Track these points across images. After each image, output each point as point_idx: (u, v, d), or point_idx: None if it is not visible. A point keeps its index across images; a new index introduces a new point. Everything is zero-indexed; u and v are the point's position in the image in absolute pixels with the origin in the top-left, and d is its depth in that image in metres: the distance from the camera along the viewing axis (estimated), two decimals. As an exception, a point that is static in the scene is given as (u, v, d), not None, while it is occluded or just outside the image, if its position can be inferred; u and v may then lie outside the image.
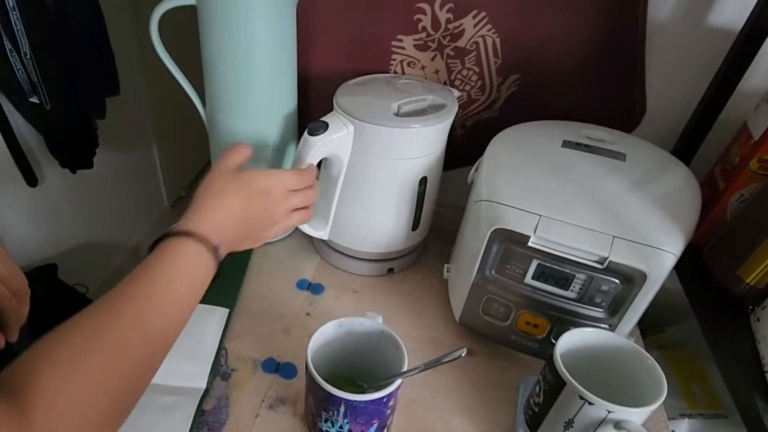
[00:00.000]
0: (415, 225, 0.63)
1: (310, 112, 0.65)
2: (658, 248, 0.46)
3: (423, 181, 0.60)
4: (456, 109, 0.58)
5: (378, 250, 0.64)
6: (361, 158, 0.57)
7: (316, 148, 0.53)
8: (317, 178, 0.53)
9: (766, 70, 0.59)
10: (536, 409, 0.45)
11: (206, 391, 0.48)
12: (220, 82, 0.57)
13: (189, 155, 0.82)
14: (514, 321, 0.53)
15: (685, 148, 0.65)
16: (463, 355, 0.40)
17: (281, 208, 0.47)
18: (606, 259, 0.46)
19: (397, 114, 0.56)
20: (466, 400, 0.52)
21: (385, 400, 0.40)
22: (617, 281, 0.47)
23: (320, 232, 0.62)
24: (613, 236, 0.47)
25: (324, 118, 0.55)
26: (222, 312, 0.55)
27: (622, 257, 0.46)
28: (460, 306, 0.56)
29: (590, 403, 0.40)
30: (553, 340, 0.52)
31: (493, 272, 0.52)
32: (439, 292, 0.64)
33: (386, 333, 0.45)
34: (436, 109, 0.57)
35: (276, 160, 0.63)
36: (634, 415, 0.39)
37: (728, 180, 0.58)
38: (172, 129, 0.77)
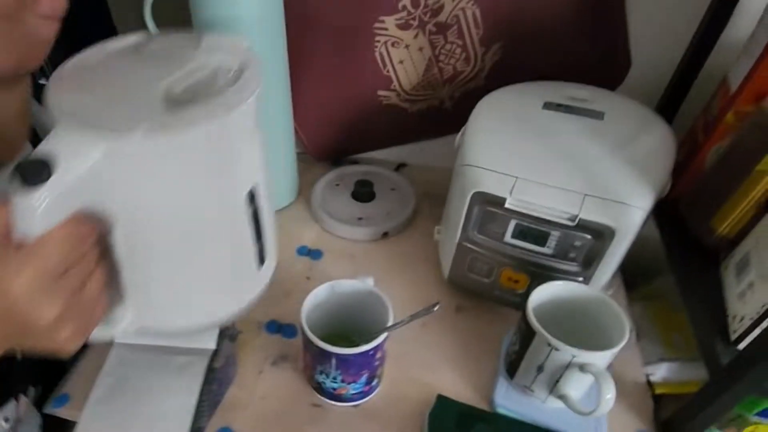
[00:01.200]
0: (261, 258, 0.38)
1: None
2: (626, 204, 0.48)
3: (251, 197, 0.35)
4: (260, 67, 0.34)
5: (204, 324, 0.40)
6: (136, 196, 0.30)
7: (42, 209, 0.26)
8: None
9: (748, 24, 0.59)
10: (513, 357, 0.50)
11: (216, 351, 0.53)
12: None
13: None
14: (497, 277, 0.57)
15: (669, 104, 0.66)
16: (435, 309, 0.44)
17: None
18: (576, 216, 0.49)
19: (168, 101, 0.30)
20: (454, 352, 0.56)
21: (371, 352, 0.45)
22: (589, 237, 0.50)
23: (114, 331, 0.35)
24: (584, 194, 0.49)
25: (45, 146, 0.27)
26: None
27: (591, 214, 0.49)
28: (448, 265, 0.60)
29: (556, 349, 0.44)
30: (533, 294, 0.55)
31: (475, 233, 0.56)
32: (431, 253, 0.67)
33: (374, 293, 0.50)
34: (229, 75, 0.33)
35: (272, 136, 0.66)
36: (597, 358, 0.44)
37: (707, 133, 0.59)
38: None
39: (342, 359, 0.44)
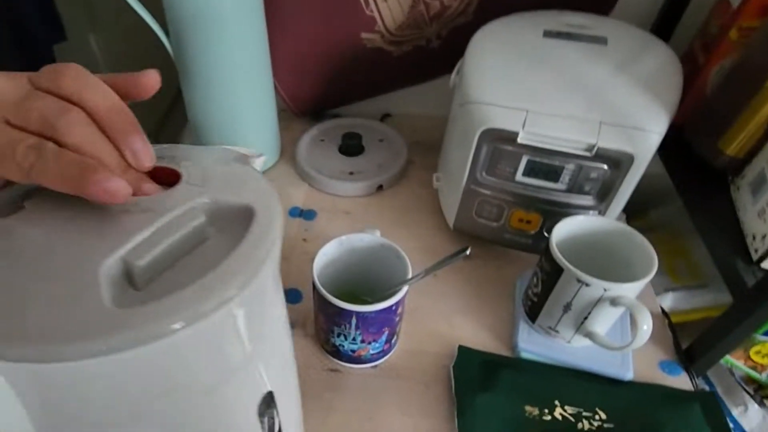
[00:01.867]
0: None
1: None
2: (643, 129, 0.46)
3: (267, 403, 0.27)
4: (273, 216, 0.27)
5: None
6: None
7: None
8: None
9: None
10: (534, 299, 0.48)
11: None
12: (186, 16, 0.52)
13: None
14: (507, 220, 0.54)
15: (663, 26, 0.64)
16: (468, 252, 0.41)
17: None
18: (594, 146, 0.46)
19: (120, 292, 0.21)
20: (466, 300, 0.54)
21: (393, 308, 0.42)
22: (605, 167, 0.48)
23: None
24: (600, 122, 0.47)
25: None
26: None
27: (609, 142, 0.46)
28: (453, 212, 0.57)
29: (587, 285, 0.42)
30: (546, 233, 0.53)
31: (483, 174, 0.53)
32: (430, 202, 0.64)
33: (386, 245, 0.46)
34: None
35: (250, 92, 0.60)
36: (628, 290, 0.42)
37: (708, 53, 0.57)
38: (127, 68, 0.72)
39: (363, 318, 0.41)
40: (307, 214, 0.63)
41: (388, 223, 0.62)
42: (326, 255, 0.45)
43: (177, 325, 0.19)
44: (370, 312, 0.41)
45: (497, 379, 0.46)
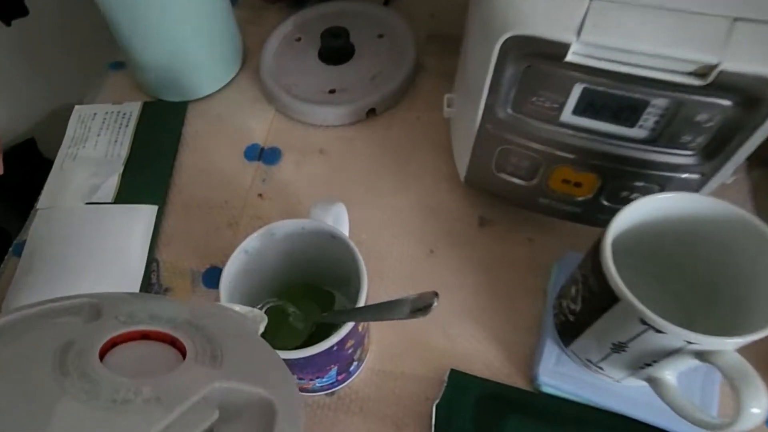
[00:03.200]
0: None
1: None
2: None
3: None
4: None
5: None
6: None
7: None
8: None
9: None
10: (570, 318, 0.31)
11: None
12: None
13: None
14: (545, 178, 0.35)
15: None
16: (434, 306, 0.24)
17: None
18: (715, 67, 0.25)
19: None
20: (473, 294, 0.38)
21: (335, 348, 0.27)
22: (728, 103, 0.27)
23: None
24: (734, 19, 0.24)
25: None
26: (148, 211, 0.42)
27: (743, 60, 0.24)
28: (464, 161, 0.39)
29: (658, 331, 0.24)
30: (605, 201, 0.34)
31: (509, 110, 0.33)
32: (442, 135, 0.45)
33: (339, 239, 0.30)
34: None
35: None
36: (730, 345, 0.24)
37: None
38: None
39: (291, 363, 0.27)
40: (268, 156, 0.46)
41: (377, 166, 0.45)
42: (236, 263, 0.30)
43: None
44: (299, 359, 0.27)
45: (502, 425, 0.32)
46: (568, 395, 0.33)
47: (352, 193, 0.43)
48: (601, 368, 0.31)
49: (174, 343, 0.19)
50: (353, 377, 0.35)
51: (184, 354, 0.18)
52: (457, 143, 0.41)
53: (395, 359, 0.36)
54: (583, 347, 0.31)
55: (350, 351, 0.30)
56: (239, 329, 0.22)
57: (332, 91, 0.48)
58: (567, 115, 0.31)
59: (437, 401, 0.33)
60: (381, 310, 0.26)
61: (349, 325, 0.27)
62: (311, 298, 0.34)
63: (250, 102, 0.50)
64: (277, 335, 0.31)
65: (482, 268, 0.39)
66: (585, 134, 0.32)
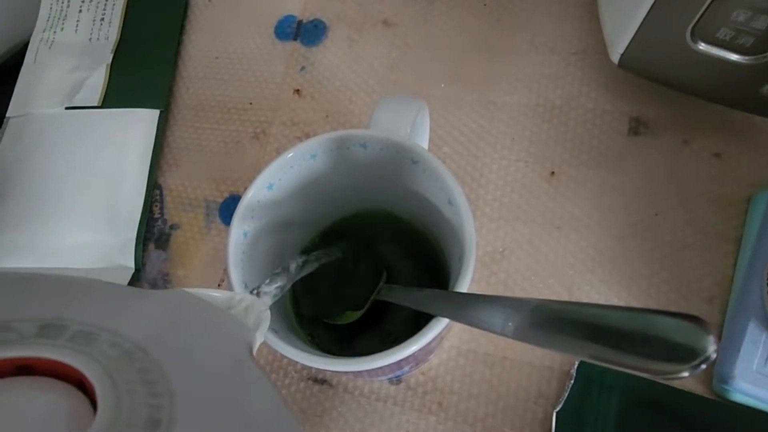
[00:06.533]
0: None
1: None
2: None
3: None
4: None
5: None
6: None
7: None
8: None
9: None
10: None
11: (135, 274, 0.29)
12: None
13: None
14: (779, 51, 0.20)
15: None
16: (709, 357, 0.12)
17: None
18: None
19: None
20: (619, 230, 0.26)
21: (409, 358, 0.17)
22: None
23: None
24: None
25: None
26: (147, 117, 0.32)
27: None
28: (626, 26, 0.24)
29: None
30: None
31: None
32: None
33: (425, 165, 0.19)
34: None
35: None
36: None
37: None
38: None
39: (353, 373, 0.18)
40: (308, 32, 0.34)
41: (469, 42, 0.31)
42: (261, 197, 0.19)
43: None
44: (359, 370, 0.17)
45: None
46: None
47: (430, 86, 0.30)
48: None
49: (82, 385, 0.10)
50: (429, 358, 0.25)
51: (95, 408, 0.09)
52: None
53: (494, 335, 0.25)
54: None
55: (435, 344, 0.20)
56: (217, 353, 0.12)
57: (396, -72, 0.33)
58: None
59: (559, 406, 0.23)
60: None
61: (441, 323, 0.16)
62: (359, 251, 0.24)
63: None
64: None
65: (633, 198, 0.26)
66: None
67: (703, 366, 0.10)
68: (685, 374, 0.10)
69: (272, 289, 0.17)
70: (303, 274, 0.20)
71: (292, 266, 0.19)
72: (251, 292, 0.16)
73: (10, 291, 0.10)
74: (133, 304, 0.11)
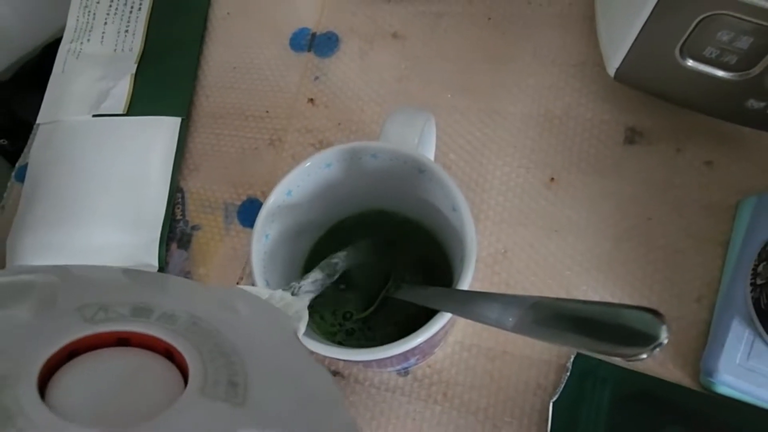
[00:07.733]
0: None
1: None
2: None
3: None
4: None
5: None
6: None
7: None
8: None
9: None
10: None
11: (159, 272, 0.31)
12: None
13: None
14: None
15: None
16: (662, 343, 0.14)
17: None
18: None
19: None
20: (615, 233, 0.28)
21: (415, 350, 0.19)
22: None
23: None
24: None
25: None
26: (170, 125, 0.34)
27: None
28: (622, 42, 0.26)
29: None
30: None
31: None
32: (576, 5, 0.32)
33: (431, 175, 0.21)
34: None
35: None
36: None
37: None
38: None
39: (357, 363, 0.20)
40: (320, 44, 0.36)
41: (476, 54, 0.33)
42: (280, 204, 0.21)
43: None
44: (370, 360, 0.19)
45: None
46: (758, 402, 0.23)
47: (438, 96, 0.32)
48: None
49: (170, 355, 0.12)
50: (433, 355, 0.27)
51: (185, 375, 0.11)
52: (608, 14, 0.28)
53: (495, 330, 0.27)
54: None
55: (440, 337, 0.22)
56: (272, 334, 0.14)
57: (406, -55, 0.35)
58: None
59: (555, 397, 0.25)
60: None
61: (445, 317, 0.18)
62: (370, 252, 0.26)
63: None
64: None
65: (628, 203, 0.28)
66: None
67: (657, 349, 0.12)
68: (644, 356, 0.12)
69: (311, 287, 0.19)
70: (338, 275, 0.22)
71: (329, 268, 0.21)
72: (292, 294, 0.18)
73: (104, 280, 0.12)
74: (201, 293, 0.13)
